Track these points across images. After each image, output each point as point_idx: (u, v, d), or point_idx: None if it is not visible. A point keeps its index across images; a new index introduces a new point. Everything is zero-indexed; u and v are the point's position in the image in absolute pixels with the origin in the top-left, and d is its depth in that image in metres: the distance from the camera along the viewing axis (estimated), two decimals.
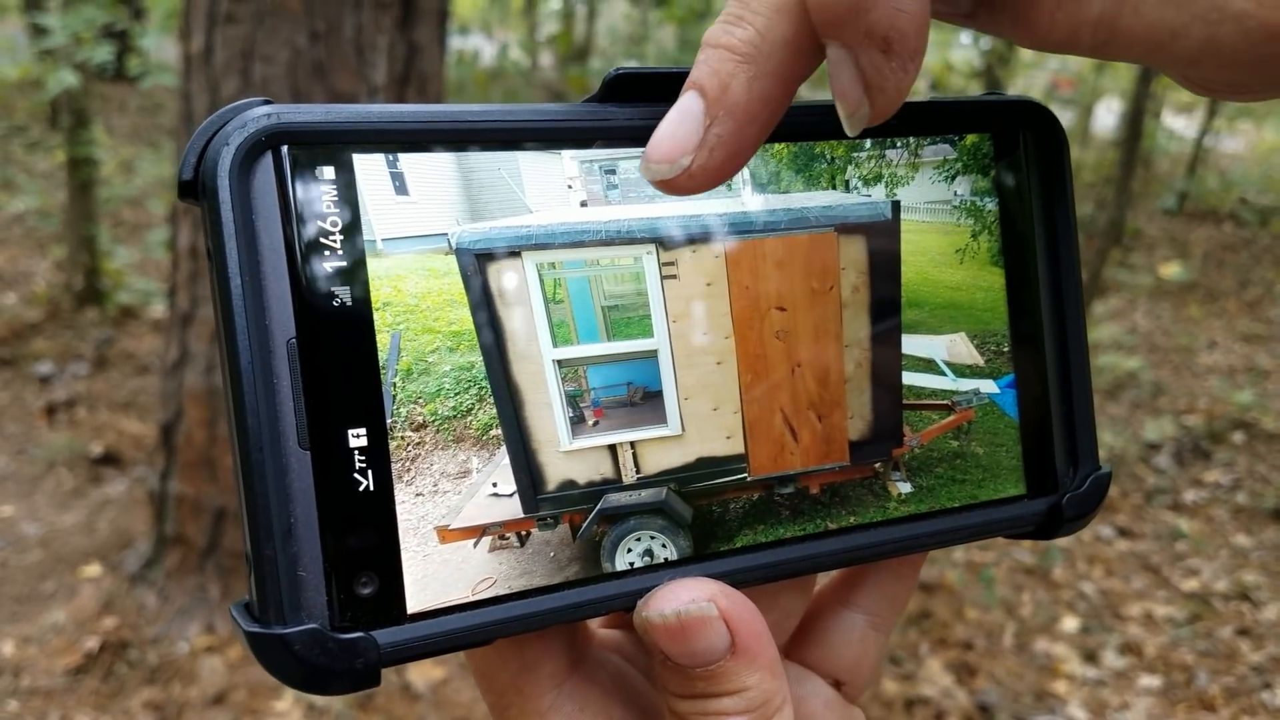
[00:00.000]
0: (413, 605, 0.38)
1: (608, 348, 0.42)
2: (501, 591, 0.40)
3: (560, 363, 0.42)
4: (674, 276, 0.43)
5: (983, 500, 0.48)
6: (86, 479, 3.30)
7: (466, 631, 0.39)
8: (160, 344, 2.88)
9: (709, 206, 0.43)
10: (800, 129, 0.44)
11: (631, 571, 0.42)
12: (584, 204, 0.42)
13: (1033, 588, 3.15)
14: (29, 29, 6.07)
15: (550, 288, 0.41)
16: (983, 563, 3.20)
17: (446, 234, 0.40)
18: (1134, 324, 5.85)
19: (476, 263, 0.40)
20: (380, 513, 0.38)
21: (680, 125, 0.36)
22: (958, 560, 3.20)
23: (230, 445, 0.37)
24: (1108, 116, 10.42)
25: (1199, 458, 4.10)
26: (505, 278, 0.41)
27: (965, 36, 7.56)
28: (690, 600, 0.39)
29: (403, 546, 0.38)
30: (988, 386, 0.48)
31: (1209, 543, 3.47)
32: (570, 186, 0.42)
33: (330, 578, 0.36)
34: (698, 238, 0.43)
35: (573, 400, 0.42)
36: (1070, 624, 2.98)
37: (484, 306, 0.40)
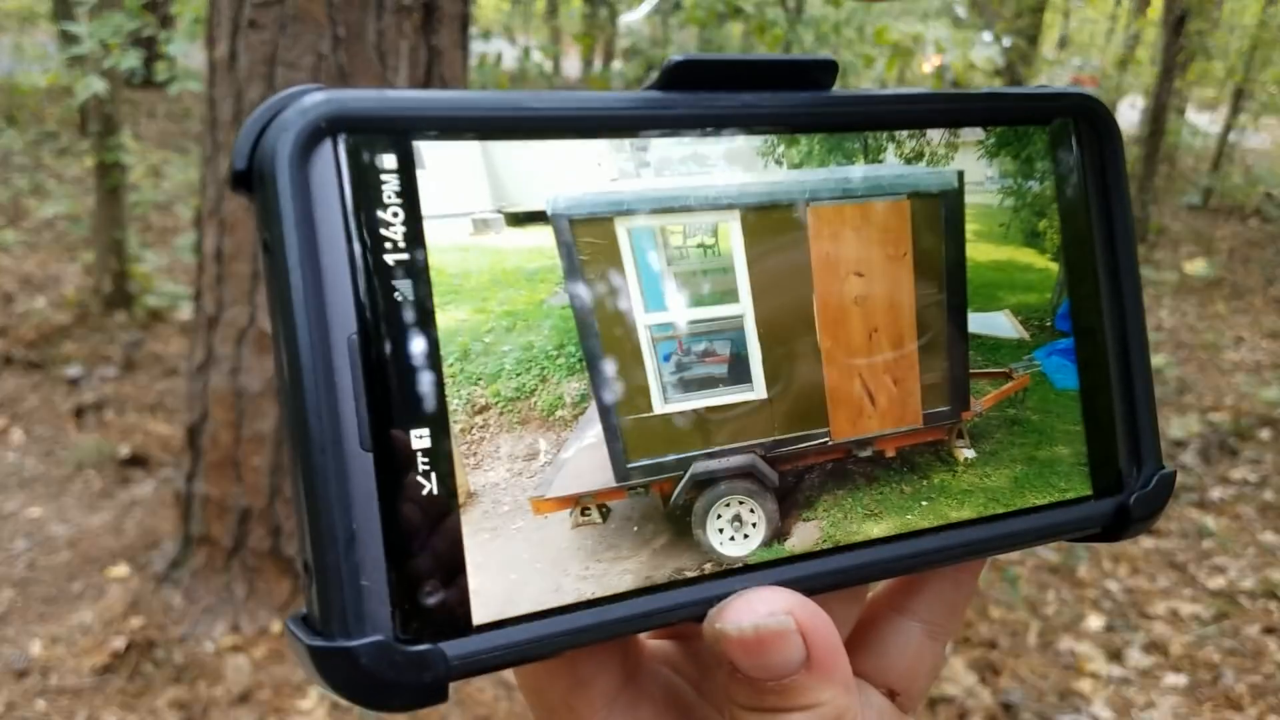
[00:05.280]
0: (479, 615, 0.36)
1: (694, 313, 0.42)
2: (570, 600, 0.38)
3: (652, 328, 0.41)
4: (758, 242, 0.43)
5: (1047, 503, 0.47)
6: (115, 480, 3.35)
7: (536, 642, 0.37)
8: (187, 346, 2.91)
9: (790, 174, 0.44)
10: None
11: (700, 578, 0.41)
12: (614, 181, 0.42)
13: (1057, 586, 3.13)
14: (59, 36, 6.14)
15: (642, 253, 0.41)
16: (1007, 561, 3.18)
17: (498, 209, 0.39)
18: (1159, 321, 5.81)
19: (572, 228, 0.40)
20: (445, 517, 0.36)
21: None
22: None
23: (287, 449, 0.35)
24: (1131, 113, 10.34)
25: (1225, 455, 4.07)
26: (600, 243, 0.40)
27: (987, 35, 7.52)
28: (768, 613, 0.38)
29: (469, 552, 0.37)
30: (1040, 353, 0.48)
31: (1236, 540, 3.44)
32: (599, 165, 0.41)
33: (395, 587, 0.35)
34: (781, 204, 0.43)
35: (663, 365, 0.42)
36: (1095, 622, 2.96)
37: (579, 272, 0.40)
